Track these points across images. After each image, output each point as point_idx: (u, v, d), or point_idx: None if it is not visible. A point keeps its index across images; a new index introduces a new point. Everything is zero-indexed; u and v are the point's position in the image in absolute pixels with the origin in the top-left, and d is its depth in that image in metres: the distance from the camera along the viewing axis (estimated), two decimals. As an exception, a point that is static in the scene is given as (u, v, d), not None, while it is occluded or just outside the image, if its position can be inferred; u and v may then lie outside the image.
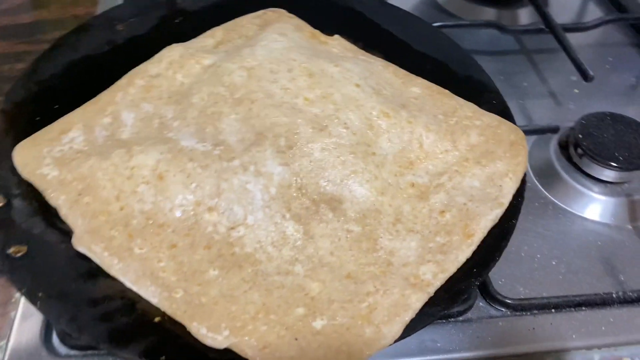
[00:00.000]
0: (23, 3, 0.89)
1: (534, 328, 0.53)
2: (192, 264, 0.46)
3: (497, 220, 0.51)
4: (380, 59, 0.65)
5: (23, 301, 0.53)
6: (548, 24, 0.78)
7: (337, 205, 0.50)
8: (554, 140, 0.69)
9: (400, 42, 0.68)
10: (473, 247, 0.49)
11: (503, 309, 0.54)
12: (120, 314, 0.42)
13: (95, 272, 0.45)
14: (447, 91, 0.61)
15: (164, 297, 0.44)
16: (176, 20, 0.69)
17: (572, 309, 0.54)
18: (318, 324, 0.43)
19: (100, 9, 0.87)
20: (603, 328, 0.53)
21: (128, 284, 0.44)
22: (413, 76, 0.63)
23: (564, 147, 0.68)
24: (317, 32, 0.67)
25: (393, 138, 0.55)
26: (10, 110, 0.57)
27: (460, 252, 0.48)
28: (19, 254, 0.45)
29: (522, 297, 0.55)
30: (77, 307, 0.42)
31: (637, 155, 0.62)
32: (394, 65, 0.64)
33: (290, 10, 0.70)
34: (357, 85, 0.58)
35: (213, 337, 0.42)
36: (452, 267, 0.47)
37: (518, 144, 0.56)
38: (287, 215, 0.49)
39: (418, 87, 0.62)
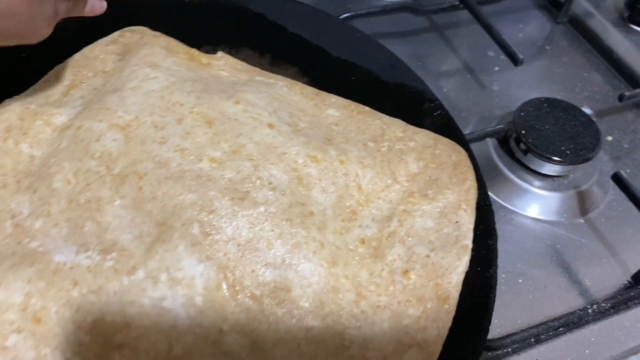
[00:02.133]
0: None
1: (522, 370, 0.48)
2: None
3: (466, 268, 0.44)
4: (280, 77, 0.53)
5: None
6: (462, 0, 0.71)
7: (285, 296, 0.39)
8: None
9: (316, 48, 0.57)
10: (452, 314, 0.41)
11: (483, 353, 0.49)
12: None
13: None
14: (367, 108, 0.52)
15: None
16: (23, 55, 0.52)
17: (554, 337, 0.50)
18: None
19: None
20: (587, 351, 0.50)
21: None
22: (324, 94, 0.52)
23: (502, 141, 0.63)
24: (194, 51, 0.53)
25: (327, 187, 0.45)
26: None
27: (440, 324, 0.40)
28: None
29: (499, 333, 0.50)
30: None
31: (582, 146, 0.58)
32: (298, 82, 0.53)
33: (162, 24, 0.55)
34: (270, 126, 0.46)
35: None
36: (437, 349, 0.40)
37: (462, 165, 0.49)
38: (226, 328, 0.37)
39: (334, 109, 0.51)
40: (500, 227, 0.56)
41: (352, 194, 0.45)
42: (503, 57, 0.70)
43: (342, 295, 0.40)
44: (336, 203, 0.44)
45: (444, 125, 0.52)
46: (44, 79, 0.50)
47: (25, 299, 0.36)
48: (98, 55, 0.52)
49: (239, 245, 0.40)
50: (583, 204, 0.60)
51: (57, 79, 0.50)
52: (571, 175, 0.61)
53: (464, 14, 0.75)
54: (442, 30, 0.76)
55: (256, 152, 0.44)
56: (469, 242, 0.44)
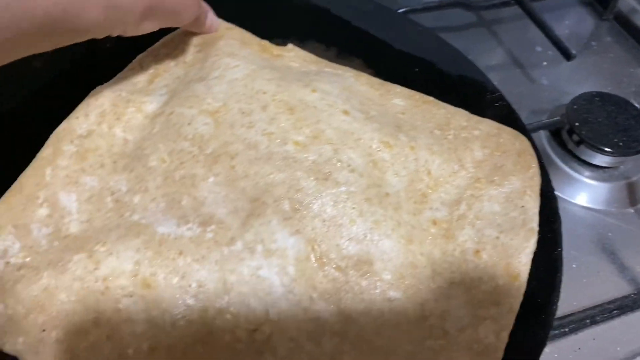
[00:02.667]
0: None
1: (579, 348, 0.51)
2: None
3: (534, 249, 0.46)
4: (347, 68, 0.56)
5: None
6: (514, -4, 0.73)
7: (368, 268, 0.42)
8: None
9: (379, 41, 0.60)
10: (523, 290, 0.44)
11: (542, 331, 0.51)
12: None
13: None
14: (431, 98, 0.54)
15: None
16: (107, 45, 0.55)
17: (609, 318, 0.53)
18: None
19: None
20: (641, 332, 0.52)
21: None
22: (389, 84, 0.55)
23: (554, 133, 0.65)
24: (266, 43, 0.56)
25: (399, 171, 0.47)
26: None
27: (512, 299, 0.43)
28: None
29: (559, 314, 0.52)
30: None
31: (634, 139, 0.61)
32: (364, 74, 0.55)
33: (233, 17, 0.57)
34: (346, 113, 0.49)
35: None
36: (510, 321, 0.42)
37: (526, 152, 0.51)
38: (315, 296, 0.40)
39: (400, 98, 0.53)
40: (553, 215, 0.59)
41: (422, 178, 0.48)
42: (551, 52, 0.72)
43: (420, 271, 0.43)
44: (408, 186, 0.47)
45: (505, 115, 0.54)
46: (129, 67, 0.53)
47: (135, 266, 0.39)
48: (178, 45, 0.55)
49: (324, 221, 0.42)
50: (633, 194, 0.62)
51: (141, 67, 0.53)
52: (621, 166, 0.63)
53: (511, 11, 0.78)
54: (491, 26, 0.78)
55: (335, 137, 0.47)
56: (535, 225, 0.46)
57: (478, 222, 0.46)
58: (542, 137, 0.65)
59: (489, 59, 0.75)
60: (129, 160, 0.46)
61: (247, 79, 0.49)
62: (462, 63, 0.57)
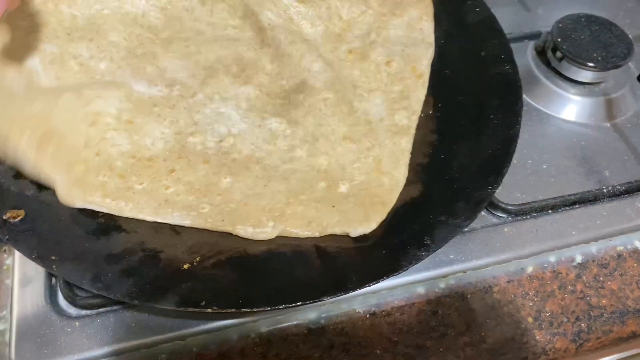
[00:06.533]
0: None
1: (536, 230, 0.55)
2: (200, 179, 0.46)
3: (432, 59, 0.56)
4: None
5: (18, 267, 0.49)
6: None
7: (303, 87, 0.52)
8: (530, 46, 0.69)
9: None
10: (426, 85, 0.54)
11: (504, 216, 0.56)
12: (145, 266, 0.40)
13: (104, 226, 0.43)
14: None
15: (193, 216, 0.44)
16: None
17: (569, 208, 0.57)
18: (343, 188, 0.47)
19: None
20: (598, 222, 0.56)
21: (149, 218, 0.43)
22: None
23: (540, 52, 0.69)
24: None
25: (314, 21, 0.57)
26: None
27: (418, 92, 0.54)
28: (17, 219, 0.42)
29: (521, 202, 0.56)
30: (97, 265, 0.40)
31: (614, 54, 0.64)
32: None
33: None
34: None
35: (262, 231, 0.44)
36: (418, 107, 0.53)
37: None
38: (266, 116, 0.51)
39: None
40: (533, 126, 0.64)
41: (335, 23, 0.58)
42: (549, -15, 0.75)
43: (343, 81, 0.54)
44: (324, 32, 0.58)
45: (484, 19, 0.58)
46: None
47: (118, 112, 0.48)
48: None
49: (266, 74, 0.54)
50: (611, 110, 0.65)
51: None
52: (602, 84, 0.66)
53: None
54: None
55: (256, 5, 0.56)
56: (432, 40, 0.58)
57: (386, 43, 0.57)
58: (529, 56, 0.69)
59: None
60: (84, 32, 0.53)
61: None
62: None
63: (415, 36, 0.58)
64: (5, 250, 0.50)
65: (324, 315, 0.48)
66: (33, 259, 0.40)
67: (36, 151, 0.44)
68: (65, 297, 0.47)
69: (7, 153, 0.45)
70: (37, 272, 0.48)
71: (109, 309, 0.47)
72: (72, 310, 0.47)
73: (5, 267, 0.50)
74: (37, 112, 0.46)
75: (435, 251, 0.43)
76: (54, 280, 0.48)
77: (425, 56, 0.56)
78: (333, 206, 0.45)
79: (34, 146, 0.45)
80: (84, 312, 0.47)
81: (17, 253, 0.49)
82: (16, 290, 0.48)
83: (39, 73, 0.50)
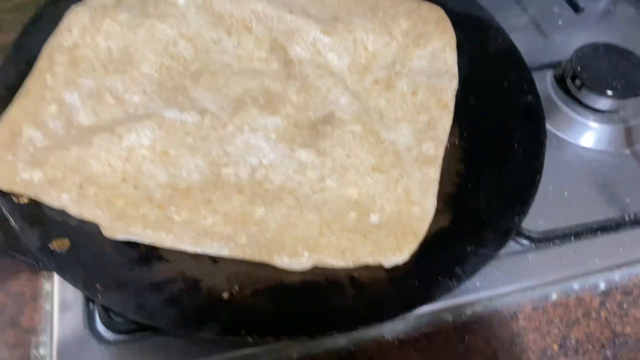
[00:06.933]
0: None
1: (560, 257, 0.56)
2: (236, 210, 0.48)
3: (456, 89, 0.58)
4: None
5: (57, 292, 0.51)
6: (532, -43, 0.79)
7: (331, 119, 0.54)
8: (549, 74, 0.71)
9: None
10: (452, 115, 0.56)
11: (528, 243, 0.57)
12: (186, 295, 0.42)
13: (145, 256, 0.44)
14: None
15: (231, 246, 0.45)
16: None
17: (591, 236, 0.58)
18: (374, 218, 0.49)
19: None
20: (620, 249, 0.57)
21: (189, 248, 0.45)
22: None
23: (559, 80, 0.70)
24: None
25: (341, 53, 0.59)
26: (5, 95, 0.52)
27: (444, 122, 0.55)
28: (63, 248, 0.43)
29: (544, 229, 0.58)
30: (140, 294, 0.41)
31: (632, 83, 0.65)
32: None
33: None
34: (291, 12, 0.59)
35: (298, 262, 0.45)
36: (444, 137, 0.54)
37: (443, 20, 0.63)
38: (295, 147, 0.52)
39: None
40: (553, 153, 0.65)
41: (361, 54, 0.60)
42: (567, 12, 0.77)
43: (370, 114, 0.55)
44: (350, 64, 0.59)
45: (506, 50, 0.60)
46: None
47: (152, 142, 0.50)
48: None
49: (293, 105, 0.56)
50: (630, 137, 0.66)
51: None
52: (621, 111, 0.67)
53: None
54: (512, -12, 0.84)
55: (284, 38, 0.58)
56: (455, 71, 0.59)
57: (411, 74, 0.58)
58: (548, 84, 0.70)
59: (508, 19, 0.80)
60: (119, 64, 0.55)
61: (207, 4, 0.59)
62: (469, 3, 0.64)
63: (439, 67, 0.59)
64: (44, 276, 0.52)
65: (353, 341, 0.49)
66: (79, 288, 0.42)
67: (78, 194, 0.46)
68: (103, 322, 0.48)
69: (52, 196, 0.46)
70: (75, 297, 0.50)
71: (146, 333, 0.48)
72: (110, 335, 0.48)
73: (44, 292, 0.51)
74: (75, 156, 0.48)
75: (465, 281, 0.44)
76: (91, 305, 0.50)
77: (449, 87, 0.58)
78: (365, 236, 0.46)
79: (75, 190, 0.46)
80: (121, 337, 0.48)
81: (56, 278, 0.51)
82: (56, 315, 0.49)
83: (78, 109, 0.52)
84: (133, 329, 0.48)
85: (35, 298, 0.51)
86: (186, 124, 0.52)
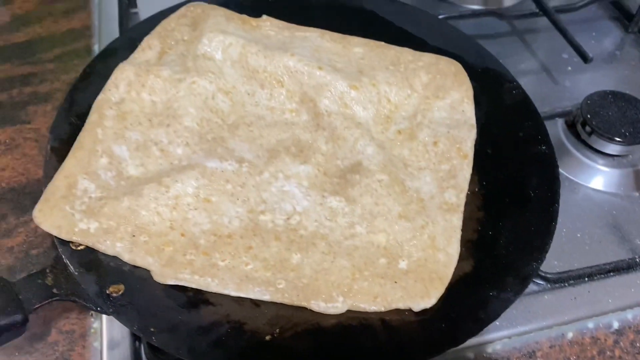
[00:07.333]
0: (12, 20, 0.86)
1: (574, 297, 0.59)
2: (274, 256, 0.52)
3: (475, 140, 0.62)
4: (312, 29, 0.70)
5: (105, 330, 0.54)
6: (541, 8, 0.83)
7: (359, 168, 0.58)
8: (560, 121, 0.75)
9: (417, 39, 0.71)
10: (471, 165, 0.59)
11: (544, 283, 0.60)
12: (232, 337, 0.45)
13: (193, 300, 0.48)
14: (382, 43, 0.70)
15: (272, 291, 0.49)
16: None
17: (604, 277, 0.61)
18: (403, 264, 0.52)
19: (95, 20, 0.86)
20: (632, 290, 0.60)
21: (233, 293, 0.48)
22: (348, 37, 0.70)
23: (570, 125, 0.74)
24: (244, 16, 0.70)
25: (366, 105, 0.63)
26: (59, 147, 0.57)
27: (464, 171, 0.59)
28: (118, 293, 0.47)
29: (559, 270, 0.61)
30: (190, 336, 0.45)
31: (640, 130, 0.69)
32: (327, 31, 0.70)
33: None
34: (320, 69, 0.64)
35: (333, 306, 0.48)
36: (465, 185, 0.58)
37: (460, 73, 0.67)
38: (326, 194, 0.56)
39: (359, 47, 0.70)
40: (566, 195, 0.68)
41: (385, 106, 0.64)
42: (576, 59, 0.81)
43: (396, 164, 0.59)
44: (375, 115, 0.63)
45: (521, 101, 0.64)
46: (139, 48, 0.66)
47: (196, 190, 0.54)
48: (175, 27, 0.68)
49: (322, 154, 0.60)
50: (639, 180, 0.70)
51: (149, 47, 0.66)
52: (630, 155, 0.71)
53: (542, 21, 0.87)
54: (522, 35, 0.88)
55: (314, 93, 0.63)
56: (474, 122, 0.64)
57: (432, 124, 0.63)
58: (559, 129, 0.74)
59: (518, 64, 0.85)
60: (163, 117, 0.60)
61: (243, 59, 0.64)
62: (485, 57, 0.68)
63: (458, 118, 0.64)
64: (92, 315, 0.56)
65: (383, 379, 0.52)
66: (134, 331, 0.45)
67: (130, 242, 0.50)
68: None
69: (107, 245, 0.50)
70: (122, 336, 0.54)
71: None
72: (154, 372, 0.52)
73: (93, 331, 0.55)
74: (127, 206, 0.52)
75: (488, 324, 0.48)
76: (138, 343, 0.53)
77: (469, 137, 0.62)
78: (395, 282, 0.50)
79: (128, 238, 0.50)
80: (164, 374, 0.52)
81: (104, 318, 0.55)
82: (105, 353, 0.53)
83: (127, 160, 0.56)
84: (176, 366, 0.51)
85: (85, 336, 0.55)
86: (226, 172, 0.56)
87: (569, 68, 0.84)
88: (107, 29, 0.83)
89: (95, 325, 0.55)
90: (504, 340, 0.56)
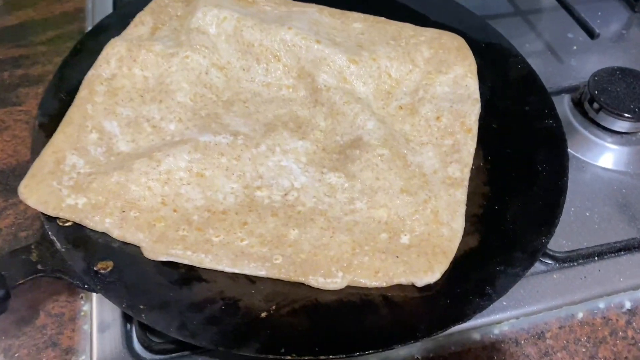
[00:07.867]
0: (4, 4, 0.84)
1: (584, 277, 0.57)
2: (271, 231, 0.49)
3: (479, 114, 0.59)
4: (310, 4, 0.68)
5: (95, 313, 0.52)
6: (546, -15, 0.81)
7: (359, 143, 0.56)
8: (566, 98, 0.72)
9: (419, 14, 0.69)
10: (475, 139, 0.57)
11: (552, 263, 0.58)
12: (226, 314, 0.43)
13: (186, 276, 0.46)
14: (382, 18, 0.68)
15: (268, 267, 0.47)
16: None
17: (614, 255, 0.59)
18: (405, 239, 0.50)
19: (89, 3, 0.84)
20: (643, 269, 0.58)
21: (227, 269, 0.46)
22: (347, 12, 0.68)
23: (577, 103, 0.72)
24: None
25: (366, 79, 0.61)
26: (47, 123, 0.55)
27: (468, 146, 0.57)
28: (107, 270, 0.45)
29: (567, 249, 0.59)
30: (182, 314, 0.43)
31: (650, 106, 0.67)
32: (325, 7, 0.68)
33: None
34: (318, 42, 0.61)
35: (333, 281, 0.46)
36: (469, 159, 0.56)
37: (463, 48, 0.65)
38: (325, 170, 0.54)
39: (358, 22, 0.67)
40: (574, 174, 0.66)
41: (385, 81, 0.62)
42: (582, 38, 0.79)
43: (397, 138, 0.57)
44: (375, 90, 0.61)
45: (526, 75, 0.62)
46: (132, 24, 0.64)
47: (189, 164, 0.52)
48: (168, 3, 0.67)
49: (321, 131, 0.58)
50: (648, 158, 0.68)
51: (142, 23, 0.65)
52: (639, 132, 0.69)
53: (546, 1, 0.85)
54: (526, 15, 0.86)
55: (312, 68, 0.60)
56: (477, 96, 0.61)
57: (434, 99, 0.60)
58: (566, 107, 0.72)
59: (523, 44, 0.82)
60: (155, 93, 0.58)
61: (237, 33, 0.61)
62: (489, 32, 0.66)
63: (461, 92, 0.61)
64: (82, 297, 0.54)
65: (384, 360, 0.50)
66: (123, 308, 0.43)
67: (120, 218, 0.48)
68: (141, 343, 0.50)
69: (96, 221, 0.48)
70: (113, 318, 0.51)
71: (181, 354, 0.49)
72: (148, 355, 0.50)
73: (82, 313, 0.53)
74: (116, 181, 0.50)
75: (496, 300, 0.45)
76: (129, 325, 0.51)
77: (472, 112, 0.59)
78: (397, 256, 0.48)
79: (118, 214, 0.48)
80: (158, 357, 0.49)
81: (94, 300, 0.53)
82: (94, 336, 0.51)
83: (117, 136, 0.54)
84: (169, 349, 0.49)
85: (74, 319, 0.53)
86: (220, 145, 0.54)
87: (575, 47, 0.82)
88: (100, 11, 0.81)
89: (85, 307, 0.53)
90: (511, 321, 0.54)
